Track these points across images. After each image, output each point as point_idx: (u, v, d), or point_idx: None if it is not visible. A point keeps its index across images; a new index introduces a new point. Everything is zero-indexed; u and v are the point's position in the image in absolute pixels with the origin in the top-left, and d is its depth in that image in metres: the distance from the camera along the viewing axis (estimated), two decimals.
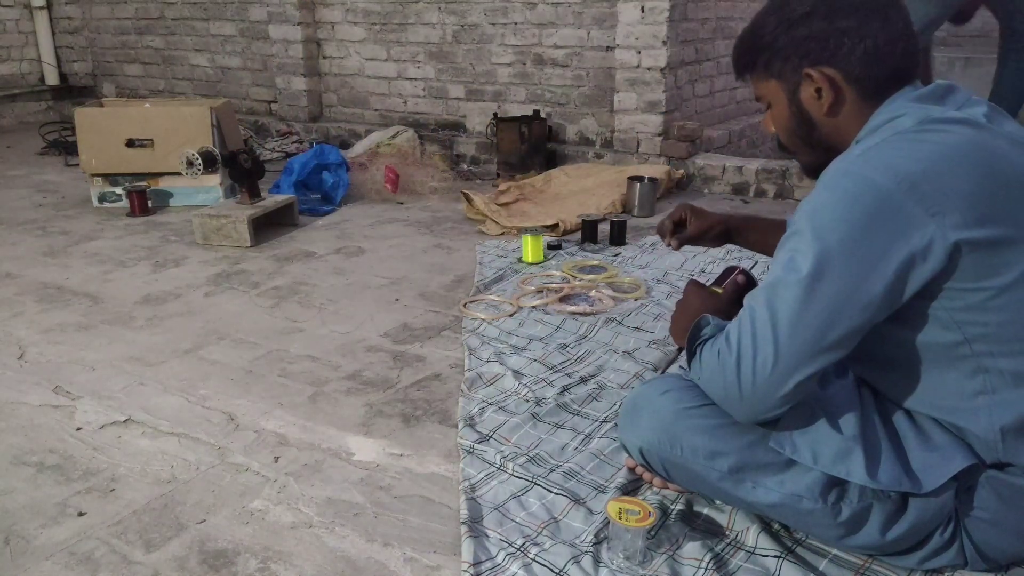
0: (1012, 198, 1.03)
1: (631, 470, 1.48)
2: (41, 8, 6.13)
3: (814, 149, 1.23)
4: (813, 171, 1.25)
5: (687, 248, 2.86)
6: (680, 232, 1.63)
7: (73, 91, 6.26)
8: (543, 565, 1.26)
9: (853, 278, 1.02)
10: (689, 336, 1.24)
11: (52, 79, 6.26)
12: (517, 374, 1.91)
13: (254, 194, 3.19)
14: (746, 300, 1.13)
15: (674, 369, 1.93)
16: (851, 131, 1.17)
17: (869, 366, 1.22)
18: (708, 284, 1.47)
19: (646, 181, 3.38)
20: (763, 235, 1.59)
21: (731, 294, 1.40)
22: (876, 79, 1.14)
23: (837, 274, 1.03)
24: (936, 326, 1.08)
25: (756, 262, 2.44)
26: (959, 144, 1.04)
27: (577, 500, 1.43)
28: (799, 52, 1.16)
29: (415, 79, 4.67)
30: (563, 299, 2.40)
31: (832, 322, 1.04)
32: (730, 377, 1.10)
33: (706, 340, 1.21)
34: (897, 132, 1.07)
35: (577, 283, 2.54)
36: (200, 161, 3.26)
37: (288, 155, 4.56)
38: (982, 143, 1.04)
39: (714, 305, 1.35)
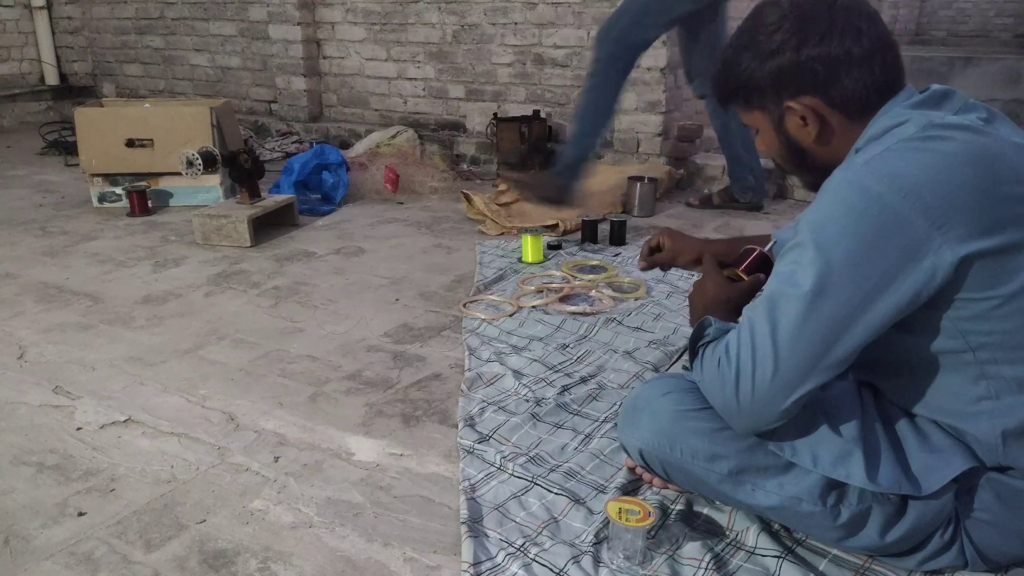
0: (1017, 203, 1.02)
1: (631, 470, 1.48)
2: (41, 8, 6.13)
3: (811, 170, 1.22)
4: (815, 187, 1.22)
5: None
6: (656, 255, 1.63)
7: (73, 91, 6.26)
8: (543, 565, 1.26)
9: (857, 296, 1.01)
10: (692, 336, 1.24)
11: (52, 79, 6.26)
12: (517, 374, 1.91)
13: (254, 194, 3.19)
14: (745, 311, 1.12)
15: (673, 368, 1.93)
16: (844, 151, 1.15)
17: (871, 370, 1.22)
18: (729, 266, 1.41)
19: (646, 181, 3.38)
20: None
21: (751, 286, 1.34)
22: (859, 99, 1.12)
23: (840, 291, 1.02)
24: (940, 334, 1.07)
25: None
26: (962, 152, 1.02)
27: (577, 500, 1.43)
28: (776, 86, 1.15)
29: (415, 79, 4.67)
30: (563, 299, 2.40)
31: (834, 339, 1.03)
32: (728, 390, 1.10)
33: (709, 342, 1.21)
34: (900, 140, 1.05)
35: (577, 283, 2.54)
36: (200, 161, 3.26)
37: (288, 155, 4.56)
38: (984, 149, 1.03)
39: (730, 294, 1.31)
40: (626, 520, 1.24)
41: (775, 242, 1.45)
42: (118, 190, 3.59)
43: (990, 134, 1.05)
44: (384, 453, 1.63)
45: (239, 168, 3.14)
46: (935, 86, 1.13)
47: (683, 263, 1.62)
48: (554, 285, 2.52)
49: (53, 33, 6.24)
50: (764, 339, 1.06)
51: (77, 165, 4.12)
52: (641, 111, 3.86)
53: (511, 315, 2.31)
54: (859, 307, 1.02)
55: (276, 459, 1.61)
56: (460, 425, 1.69)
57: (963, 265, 1.00)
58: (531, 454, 1.58)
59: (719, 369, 1.12)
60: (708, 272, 1.37)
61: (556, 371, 1.94)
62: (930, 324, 1.07)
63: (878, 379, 1.22)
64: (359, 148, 4.24)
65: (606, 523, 1.33)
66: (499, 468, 1.53)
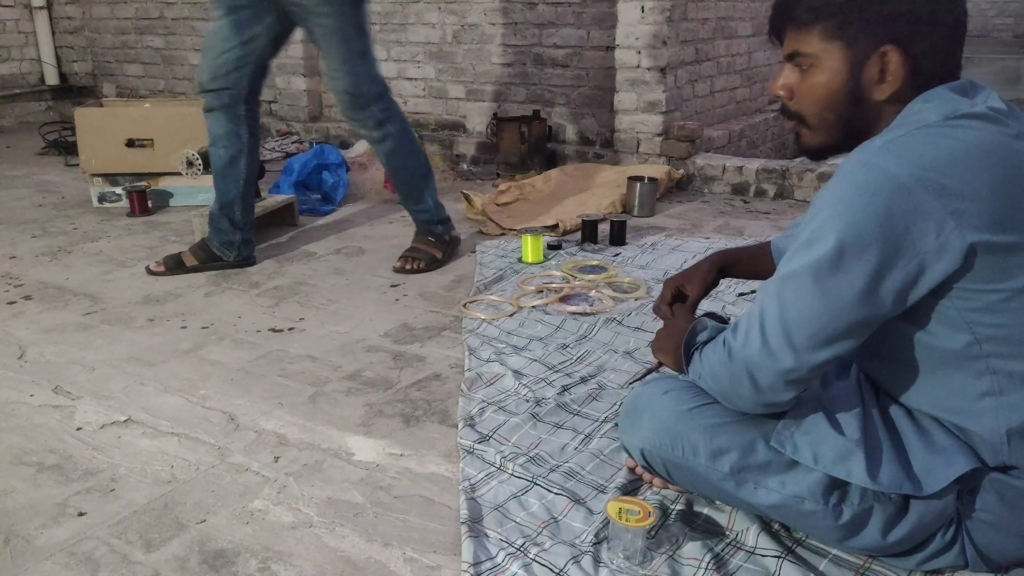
0: None
1: (631, 470, 1.48)
2: (41, 8, 6.13)
3: (843, 128, 1.15)
4: (817, 151, 1.19)
5: (687, 249, 2.88)
6: (682, 301, 1.49)
7: (73, 91, 6.25)
8: (543, 565, 1.26)
9: (865, 273, 1.01)
10: (685, 340, 1.24)
11: (52, 79, 6.25)
12: (517, 374, 1.91)
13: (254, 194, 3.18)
14: (759, 291, 1.13)
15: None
16: (888, 121, 1.11)
17: (876, 361, 1.22)
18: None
19: (646, 181, 3.38)
20: (749, 265, 1.52)
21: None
22: (936, 77, 1.08)
23: (849, 267, 1.02)
24: (947, 325, 1.07)
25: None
26: (984, 142, 1.02)
27: (577, 500, 1.43)
28: (885, 25, 1.06)
29: (415, 79, 4.67)
30: (563, 299, 2.40)
31: (841, 315, 1.04)
32: (737, 366, 1.11)
33: (704, 343, 1.21)
34: (921, 126, 1.04)
35: (577, 283, 2.54)
36: (200, 161, 3.26)
37: (288, 155, 4.56)
38: (1005, 143, 1.03)
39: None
40: (626, 520, 1.24)
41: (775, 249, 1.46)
42: (118, 190, 3.59)
43: (1013, 130, 1.05)
44: (384, 453, 1.63)
45: None
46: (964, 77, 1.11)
47: (706, 295, 1.52)
48: (554, 285, 2.52)
49: (53, 33, 6.24)
50: (773, 313, 1.07)
51: (77, 165, 4.12)
52: (641, 111, 3.86)
53: (511, 315, 2.31)
54: (867, 282, 1.02)
55: (276, 459, 1.61)
56: (460, 425, 1.69)
57: (971, 253, 0.99)
58: (531, 454, 1.58)
59: (725, 347, 1.13)
60: (677, 314, 1.38)
61: (556, 371, 1.94)
62: (937, 315, 1.07)
63: (882, 372, 1.21)
64: (359, 148, 4.24)
65: (606, 523, 1.33)
66: (499, 468, 1.53)
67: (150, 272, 2.73)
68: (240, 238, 2.74)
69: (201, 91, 2.62)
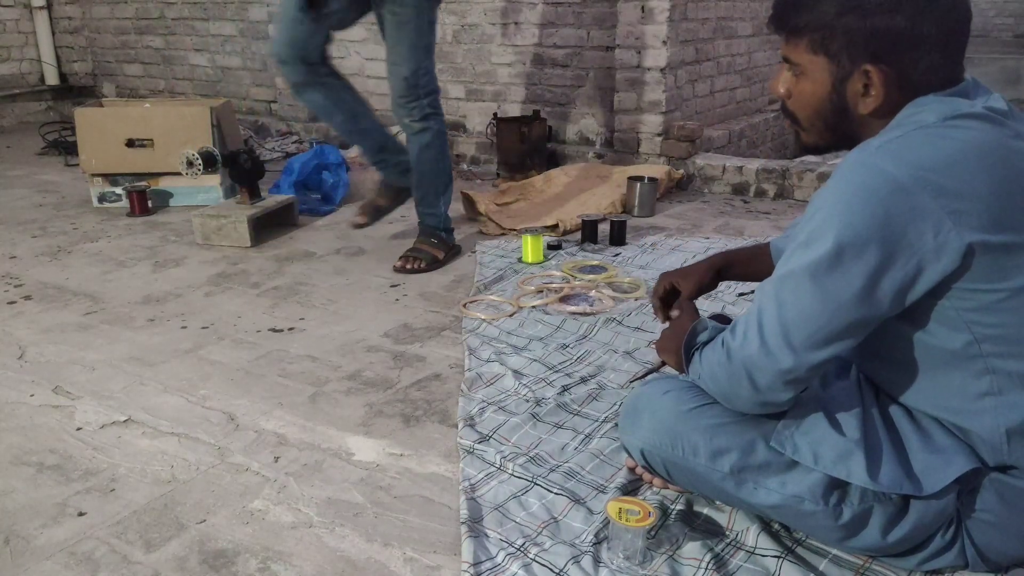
0: None
1: (631, 470, 1.48)
2: (41, 8, 6.13)
3: (832, 133, 1.17)
4: (814, 149, 1.21)
5: (685, 249, 2.88)
6: (675, 299, 1.49)
7: (73, 91, 6.25)
8: (543, 565, 1.26)
9: (864, 273, 1.01)
10: (686, 341, 1.24)
11: (52, 79, 6.25)
12: (517, 374, 1.91)
13: (254, 194, 3.19)
14: (756, 291, 1.13)
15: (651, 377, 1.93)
16: (876, 132, 1.12)
17: (875, 362, 1.22)
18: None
19: (646, 181, 3.38)
20: (748, 267, 1.52)
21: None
22: (926, 89, 1.08)
23: (848, 267, 1.02)
24: (946, 325, 1.07)
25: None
26: (982, 142, 1.02)
27: (577, 500, 1.43)
28: (866, 43, 1.07)
29: None
30: (563, 299, 2.40)
31: (839, 314, 1.04)
32: (736, 366, 1.11)
33: (704, 344, 1.21)
34: (919, 127, 1.04)
35: (577, 283, 2.54)
36: (200, 161, 3.25)
37: (288, 155, 4.56)
38: (1004, 143, 1.03)
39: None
40: (626, 520, 1.24)
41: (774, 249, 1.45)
42: (118, 190, 3.59)
43: (1012, 130, 1.04)
44: (384, 453, 1.63)
45: (239, 168, 3.14)
46: (967, 77, 1.11)
47: (700, 295, 1.51)
48: (554, 285, 2.52)
49: (53, 33, 6.24)
50: (771, 316, 1.07)
51: (77, 165, 4.12)
52: (641, 111, 3.86)
53: (511, 315, 2.31)
54: (865, 282, 1.02)
55: (276, 459, 1.61)
56: (460, 425, 1.69)
57: (969, 253, 0.99)
58: (531, 454, 1.58)
59: (724, 347, 1.13)
60: (683, 311, 1.38)
61: (556, 371, 1.94)
62: (936, 315, 1.07)
63: (881, 374, 1.21)
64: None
65: (606, 523, 1.33)
66: (499, 468, 1.53)
67: (357, 226, 2.91)
68: (407, 162, 2.83)
69: (278, 61, 2.74)
